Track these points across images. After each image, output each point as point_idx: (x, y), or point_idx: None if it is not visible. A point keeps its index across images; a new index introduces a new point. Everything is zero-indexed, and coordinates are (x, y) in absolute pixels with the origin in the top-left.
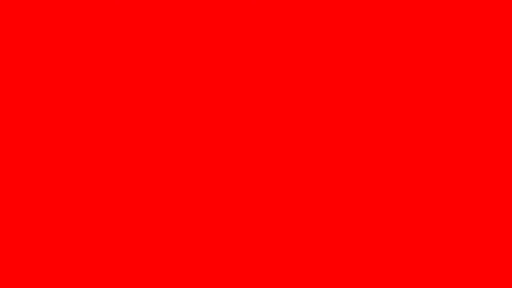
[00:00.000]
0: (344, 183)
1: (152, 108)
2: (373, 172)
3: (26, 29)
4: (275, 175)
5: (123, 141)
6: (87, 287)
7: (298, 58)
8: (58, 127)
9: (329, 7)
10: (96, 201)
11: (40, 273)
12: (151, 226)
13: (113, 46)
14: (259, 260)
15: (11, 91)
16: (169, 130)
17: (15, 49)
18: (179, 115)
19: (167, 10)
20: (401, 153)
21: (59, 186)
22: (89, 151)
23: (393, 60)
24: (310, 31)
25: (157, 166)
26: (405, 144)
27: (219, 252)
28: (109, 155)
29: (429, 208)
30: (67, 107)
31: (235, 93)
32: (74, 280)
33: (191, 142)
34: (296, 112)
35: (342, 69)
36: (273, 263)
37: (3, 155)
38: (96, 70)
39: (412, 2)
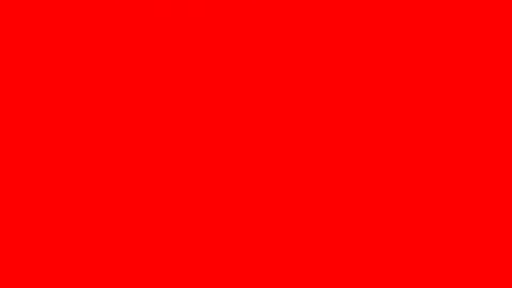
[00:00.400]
0: (344, 183)
1: (152, 108)
2: (373, 172)
3: (26, 29)
4: (275, 175)
5: (123, 141)
6: (87, 287)
7: (298, 58)
8: (58, 127)
9: (329, 7)
10: (96, 201)
11: (40, 273)
12: (151, 226)
13: (113, 46)
14: (259, 260)
15: (11, 91)
16: (169, 130)
17: (15, 49)
18: (179, 115)
19: (167, 10)
20: (401, 153)
21: (59, 186)
22: (89, 151)
23: (393, 60)
24: (310, 31)
25: (157, 166)
26: (405, 144)
27: (219, 252)
28: (109, 155)
29: (429, 208)
30: (67, 107)
31: (235, 93)
32: (74, 280)
33: (191, 142)
34: (296, 112)
35: (342, 69)
36: (273, 263)
37: (3, 155)
38: (96, 70)
39: (412, 2)
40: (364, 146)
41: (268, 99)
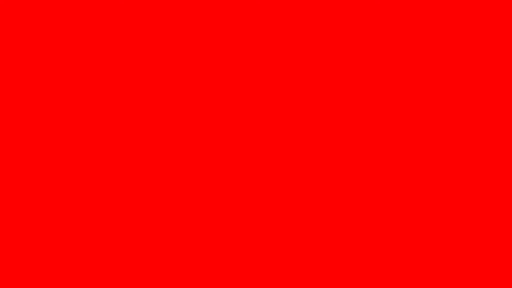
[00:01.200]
0: (344, 183)
1: (152, 108)
2: (373, 172)
3: (26, 29)
4: (275, 175)
5: (123, 141)
6: (87, 287)
7: (298, 58)
8: (58, 127)
9: (329, 7)
10: (96, 201)
11: (40, 273)
12: (151, 226)
13: (113, 46)
14: (259, 260)
15: (11, 91)
16: (169, 130)
17: (15, 49)
18: (179, 115)
19: (167, 10)
20: (401, 153)
21: (59, 186)
22: (89, 151)
23: (393, 60)
24: (310, 31)
25: (157, 166)
26: (405, 144)
27: (219, 252)
28: (109, 155)
29: (429, 208)
30: (67, 107)
31: (235, 93)
32: (74, 280)
33: (191, 142)
34: (296, 112)
35: (342, 69)
36: (273, 263)
37: (3, 155)
38: (96, 70)
39: (412, 2)
40: (364, 146)
41: (268, 99)
